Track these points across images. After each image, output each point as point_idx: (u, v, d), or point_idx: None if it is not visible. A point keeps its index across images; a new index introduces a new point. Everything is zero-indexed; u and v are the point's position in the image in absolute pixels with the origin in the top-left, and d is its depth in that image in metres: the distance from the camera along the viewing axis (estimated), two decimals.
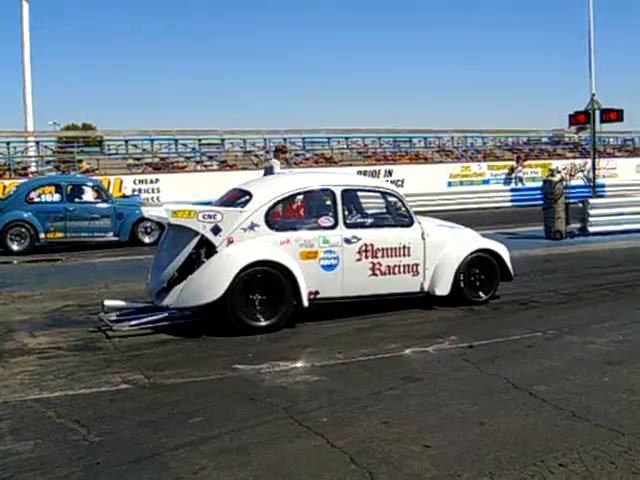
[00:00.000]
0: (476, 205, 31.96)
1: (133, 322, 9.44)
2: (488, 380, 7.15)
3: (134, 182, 31.16)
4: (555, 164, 35.65)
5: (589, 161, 26.71)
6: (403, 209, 10.58)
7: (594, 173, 22.94)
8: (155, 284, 9.75)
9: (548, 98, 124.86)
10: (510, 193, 35.17)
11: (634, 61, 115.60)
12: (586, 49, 25.63)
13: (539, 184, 21.67)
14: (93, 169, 31.76)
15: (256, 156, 37.24)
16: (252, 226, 9.59)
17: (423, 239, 10.44)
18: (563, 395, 6.58)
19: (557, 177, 18.85)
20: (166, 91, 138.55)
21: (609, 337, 8.66)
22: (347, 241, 9.92)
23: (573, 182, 20.86)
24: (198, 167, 35.88)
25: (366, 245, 10.03)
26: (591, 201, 19.90)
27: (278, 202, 9.95)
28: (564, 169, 34.50)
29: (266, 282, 9.39)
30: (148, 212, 10.27)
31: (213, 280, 9.28)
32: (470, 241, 11.12)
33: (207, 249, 9.55)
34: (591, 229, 19.18)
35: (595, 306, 10.59)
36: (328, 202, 10.15)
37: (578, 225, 19.31)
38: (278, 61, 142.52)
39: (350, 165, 36.68)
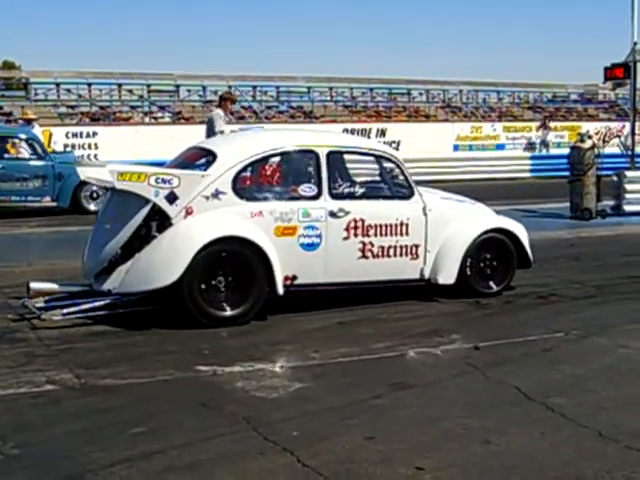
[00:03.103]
0: (488, 175, 32.03)
1: (66, 310, 9.29)
2: (496, 389, 7.21)
3: (66, 135, 30.94)
4: (586, 127, 35.79)
5: (627, 125, 26.82)
6: (401, 177, 10.61)
7: (633, 139, 23.00)
8: (93, 264, 9.67)
9: (580, 46, 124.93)
10: (530, 161, 35.30)
11: None
12: None
13: (565, 151, 21.72)
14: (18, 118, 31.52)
15: None
16: (216, 194, 9.52)
17: (425, 215, 10.46)
18: (587, 410, 6.64)
19: (588, 143, 18.90)
20: (108, 24, 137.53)
21: None
22: (333, 215, 9.92)
23: (607, 150, 20.90)
24: (146, 119, 35.76)
25: (355, 220, 10.03)
26: (628, 174, 19.98)
27: (248, 165, 9.92)
28: (596, 134, 34.70)
29: (233, 263, 9.38)
30: (85, 173, 10.15)
31: (167, 260, 9.23)
32: (481, 219, 11.19)
33: (160, 221, 9.49)
34: (627, 208, 19.32)
35: (629, 302, 10.69)
36: (310, 167, 10.13)
37: (611, 203, 19.43)
38: None
39: (334, 122, 36.64)
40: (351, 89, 41.80)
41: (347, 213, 9.96)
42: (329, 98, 40.89)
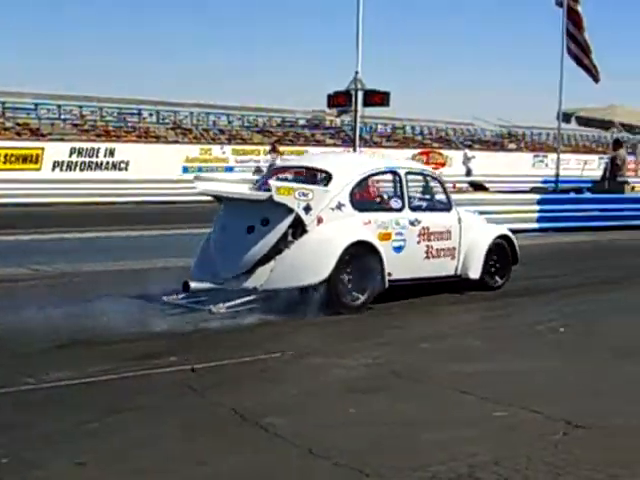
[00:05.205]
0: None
1: (228, 304, 10.70)
2: (212, 411, 7.23)
3: None
4: (313, 152, 36.65)
5: (351, 150, 27.63)
6: (444, 194, 13.18)
7: None
8: (234, 266, 11.18)
9: (308, 72, 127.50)
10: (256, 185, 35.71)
11: (409, 38, 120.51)
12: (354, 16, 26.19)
13: None
14: None
15: None
16: (339, 206, 11.57)
17: (459, 223, 12.98)
18: (301, 429, 6.74)
19: None
20: None
21: (358, 360, 8.96)
22: (412, 223, 12.24)
23: None
24: None
25: (424, 228, 12.40)
26: None
27: (359, 182, 12.06)
28: None
29: (357, 262, 11.41)
30: (200, 187, 11.78)
31: (316, 260, 11.14)
32: (491, 227, 13.97)
33: (294, 228, 11.26)
34: None
35: (340, 324, 10.94)
36: (396, 184, 12.42)
37: None
38: None
39: (62, 140, 35.95)
40: (80, 107, 41.12)
41: (419, 222, 12.31)
42: (57, 116, 40.03)
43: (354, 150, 24.03)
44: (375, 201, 12.63)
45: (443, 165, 48.77)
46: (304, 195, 11.24)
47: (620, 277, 15.46)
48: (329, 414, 7.20)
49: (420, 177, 13.23)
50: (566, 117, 30.08)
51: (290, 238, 11.23)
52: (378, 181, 12.94)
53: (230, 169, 39.18)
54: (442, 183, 13.36)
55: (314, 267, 11.06)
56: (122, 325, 10.07)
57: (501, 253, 13.54)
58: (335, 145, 44.15)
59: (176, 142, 40.27)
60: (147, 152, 36.86)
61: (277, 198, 11.00)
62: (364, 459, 6.09)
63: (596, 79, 28.99)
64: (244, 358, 8.95)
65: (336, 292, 11.13)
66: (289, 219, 11.13)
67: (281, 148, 41.04)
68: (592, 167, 46.03)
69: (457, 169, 46.36)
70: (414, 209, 12.40)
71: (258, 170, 39.07)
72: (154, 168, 34.43)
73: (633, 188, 27.35)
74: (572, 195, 26.97)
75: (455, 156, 49.72)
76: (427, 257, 12.43)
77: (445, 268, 12.79)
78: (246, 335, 10.18)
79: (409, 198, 12.34)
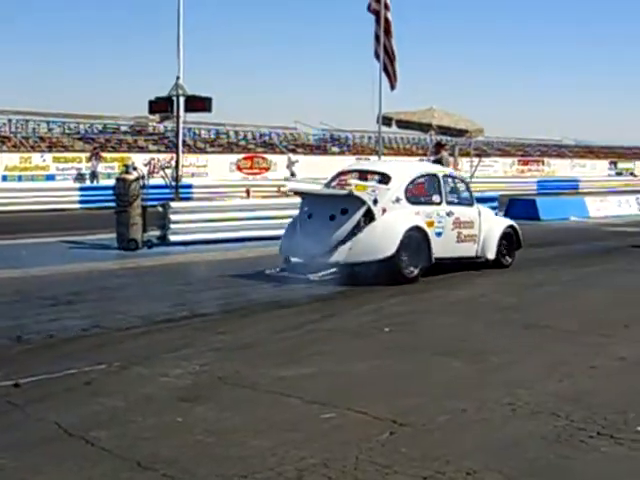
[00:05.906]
0: (37, 206, 31.42)
1: (320, 273, 14.24)
2: (35, 427, 7.02)
3: None
4: (135, 158, 36.26)
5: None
6: (468, 192, 16.94)
7: (177, 171, 23.50)
8: (321, 246, 14.46)
9: (131, 78, 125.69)
10: (79, 192, 35.08)
11: (232, 42, 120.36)
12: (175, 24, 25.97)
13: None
14: None
15: None
16: (397, 200, 15.05)
17: (479, 215, 16.65)
18: (127, 441, 6.65)
19: (134, 175, 19.11)
20: None
21: (184, 368, 8.89)
22: (448, 214, 15.78)
23: (153, 181, 21.25)
24: None
25: (457, 218, 16.00)
26: (173, 205, 20.44)
27: (411, 181, 15.63)
28: (146, 165, 35.28)
29: (411, 242, 14.70)
30: (290, 186, 15.10)
31: (385, 240, 14.51)
32: (501, 219, 18.30)
33: (366, 217, 14.62)
34: (172, 238, 19.81)
35: (169, 332, 10.83)
36: (436, 184, 15.94)
37: (157, 233, 19.78)
38: None
39: None
40: None
41: (453, 214, 15.93)
42: None
43: (177, 156, 23.91)
44: (422, 196, 15.94)
45: (267, 170, 49.08)
46: (373, 191, 14.87)
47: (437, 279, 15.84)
48: (156, 425, 7.11)
49: (451, 179, 16.81)
50: (387, 120, 30.56)
51: (362, 224, 14.60)
52: (425, 182, 16.23)
53: (51, 177, 38.34)
54: (467, 184, 17.33)
55: (383, 246, 14.41)
56: None
57: (509, 239, 17.26)
58: (159, 151, 43.75)
59: None
60: None
61: (355, 193, 14.69)
62: (192, 469, 6.06)
63: (393, 87, 29.40)
64: (69, 370, 8.72)
65: (398, 266, 14.48)
66: (363, 209, 14.61)
67: (103, 155, 40.49)
68: None
69: (281, 173, 46.65)
70: (449, 203, 15.97)
71: (80, 177, 38.52)
72: None
73: None
74: None
75: (279, 160, 50.06)
76: (458, 241, 16.04)
77: (470, 250, 16.44)
78: (71, 347, 9.92)
79: (446, 195, 15.88)
